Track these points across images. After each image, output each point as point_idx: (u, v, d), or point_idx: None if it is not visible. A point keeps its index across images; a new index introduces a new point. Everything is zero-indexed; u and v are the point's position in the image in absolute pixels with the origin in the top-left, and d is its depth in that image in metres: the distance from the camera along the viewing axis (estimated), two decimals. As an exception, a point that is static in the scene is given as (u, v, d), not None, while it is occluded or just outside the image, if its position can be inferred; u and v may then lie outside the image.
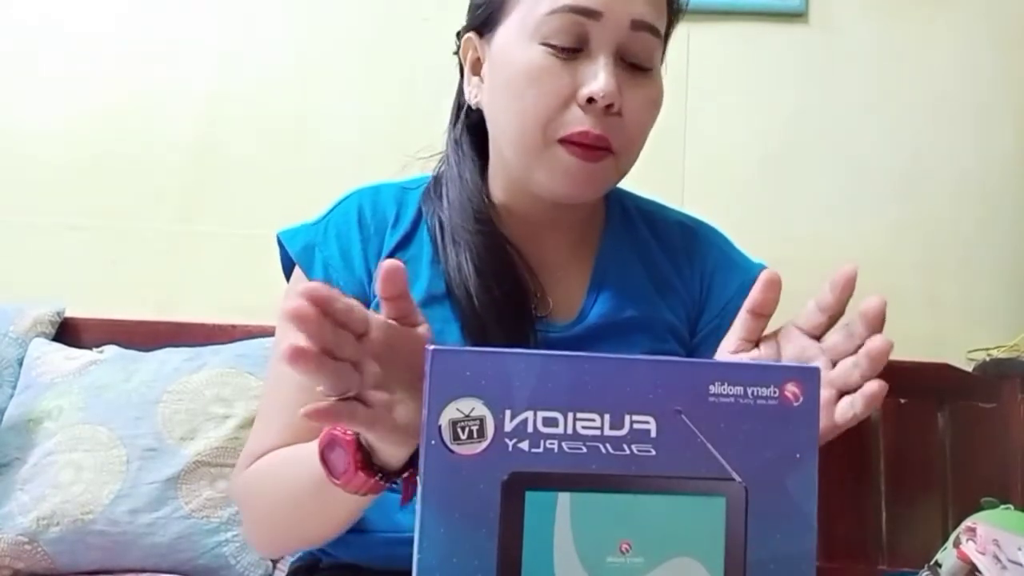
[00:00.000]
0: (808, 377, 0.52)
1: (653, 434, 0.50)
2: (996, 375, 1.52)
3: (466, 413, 0.49)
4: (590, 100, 0.72)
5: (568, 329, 0.81)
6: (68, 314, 1.60)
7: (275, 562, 1.35)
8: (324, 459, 0.64)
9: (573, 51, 0.73)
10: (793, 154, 1.68)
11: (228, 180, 1.71)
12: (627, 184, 0.93)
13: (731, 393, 0.51)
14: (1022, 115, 1.67)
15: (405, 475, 0.65)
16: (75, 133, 1.73)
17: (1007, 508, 1.28)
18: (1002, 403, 1.51)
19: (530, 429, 0.49)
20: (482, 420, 0.49)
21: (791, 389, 0.51)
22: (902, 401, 1.54)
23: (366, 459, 0.62)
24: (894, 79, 1.68)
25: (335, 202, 0.86)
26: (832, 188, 1.67)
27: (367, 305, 0.80)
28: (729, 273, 0.88)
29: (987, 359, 1.53)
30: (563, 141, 0.74)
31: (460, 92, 0.86)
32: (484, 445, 0.49)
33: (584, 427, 0.50)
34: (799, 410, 0.51)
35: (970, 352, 1.57)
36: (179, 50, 1.75)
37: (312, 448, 0.66)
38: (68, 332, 1.59)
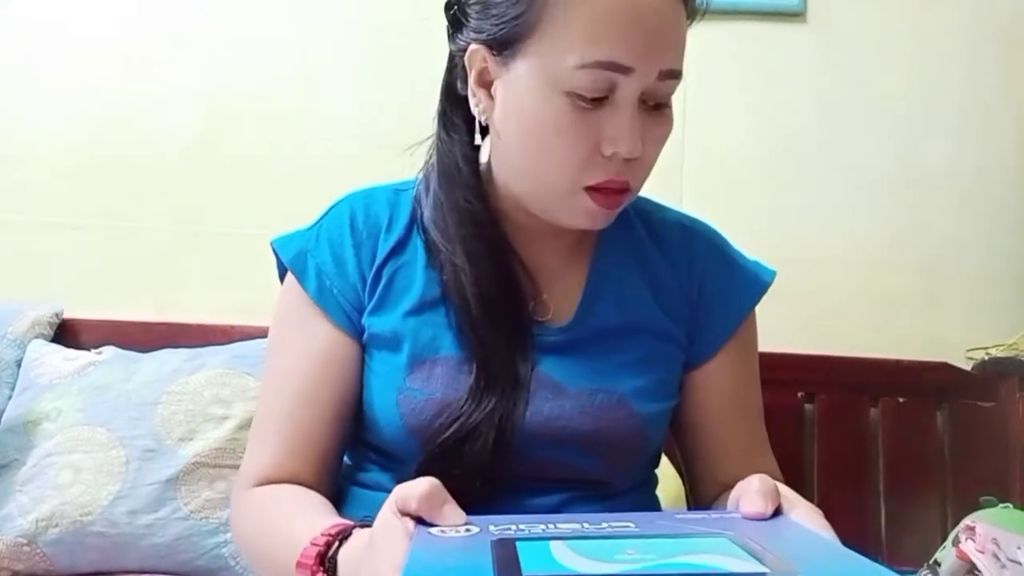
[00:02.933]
0: None
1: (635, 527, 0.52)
2: (995, 374, 1.52)
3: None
4: (613, 153, 0.72)
5: (564, 333, 0.81)
6: (67, 315, 1.60)
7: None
8: None
9: (599, 100, 0.71)
10: (792, 154, 1.68)
11: (228, 180, 1.71)
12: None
13: None
14: (1022, 115, 1.67)
15: None
16: (75, 133, 1.72)
17: (1006, 507, 1.28)
18: (1001, 402, 1.51)
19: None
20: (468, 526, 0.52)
21: None
22: (901, 400, 1.54)
23: None
24: (893, 79, 1.68)
25: (327, 208, 0.85)
26: (831, 188, 1.67)
27: (361, 310, 0.80)
28: (725, 270, 0.88)
29: (986, 358, 1.53)
30: (588, 188, 0.74)
31: (449, 86, 0.83)
32: (473, 532, 0.51)
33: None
34: None
35: (969, 351, 1.57)
36: (179, 51, 1.75)
37: (295, 538, 0.68)
38: (67, 333, 1.58)
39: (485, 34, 0.75)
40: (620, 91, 0.71)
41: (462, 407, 0.74)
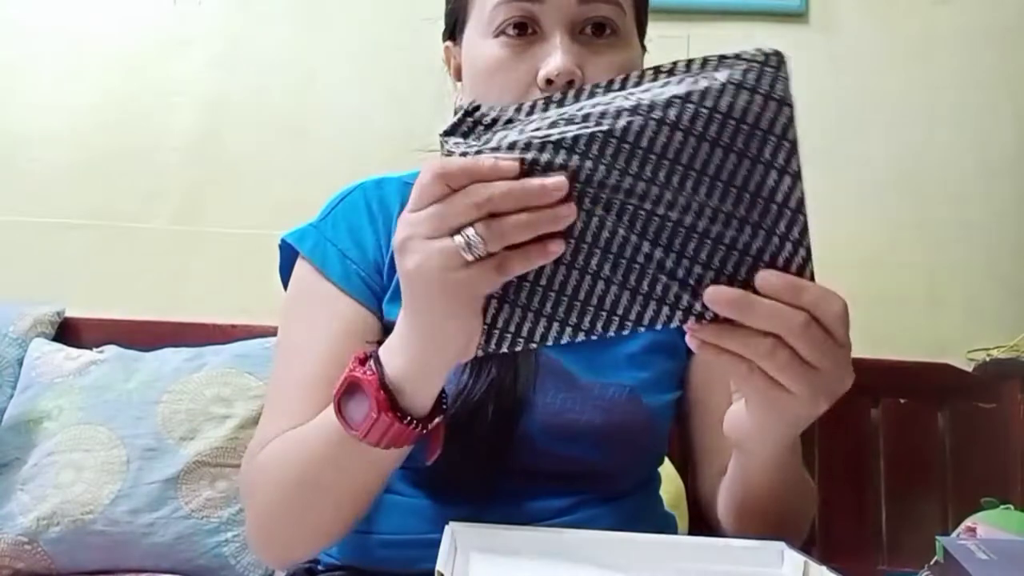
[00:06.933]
0: None
1: None
2: (996, 375, 1.52)
3: None
4: (548, 81, 0.72)
5: None
6: (68, 314, 1.60)
7: (275, 562, 1.35)
8: (340, 410, 0.61)
9: (527, 36, 0.74)
10: (793, 154, 1.68)
11: (228, 180, 1.71)
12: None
13: None
14: (1022, 115, 1.67)
15: (433, 423, 0.63)
16: (75, 133, 1.73)
17: (1007, 508, 1.28)
18: (1002, 403, 1.51)
19: None
20: None
21: None
22: (902, 401, 1.54)
23: (391, 400, 0.60)
24: (894, 79, 1.68)
25: (339, 195, 0.85)
26: (832, 188, 1.66)
27: (382, 292, 0.80)
28: None
29: (987, 359, 1.53)
30: None
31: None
32: None
33: None
34: None
35: (970, 352, 1.57)
36: (179, 51, 1.75)
37: (328, 411, 0.64)
38: (68, 332, 1.59)
39: (447, 30, 0.83)
40: (543, 22, 0.73)
41: (465, 382, 0.75)
